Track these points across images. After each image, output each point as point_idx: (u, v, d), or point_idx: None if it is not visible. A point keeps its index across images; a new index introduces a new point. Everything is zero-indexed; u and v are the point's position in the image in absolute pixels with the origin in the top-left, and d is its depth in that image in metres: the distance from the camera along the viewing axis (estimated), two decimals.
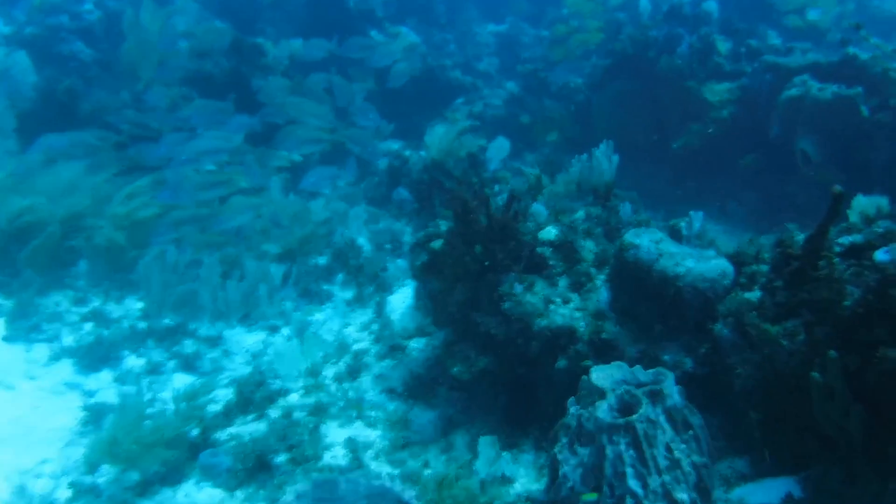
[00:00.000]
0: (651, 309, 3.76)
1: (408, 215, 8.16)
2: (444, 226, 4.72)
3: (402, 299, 6.12)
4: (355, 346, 5.54)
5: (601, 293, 4.05)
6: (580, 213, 4.74)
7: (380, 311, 5.94)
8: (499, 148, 6.20)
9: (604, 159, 5.17)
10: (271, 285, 6.24)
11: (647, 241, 3.75)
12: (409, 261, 4.82)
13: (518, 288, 4.14)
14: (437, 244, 4.55)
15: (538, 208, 4.56)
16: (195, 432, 4.37)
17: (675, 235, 4.00)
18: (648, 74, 8.37)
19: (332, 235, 7.88)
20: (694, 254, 3.66)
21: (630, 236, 3.82)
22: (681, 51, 7.79)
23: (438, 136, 6.85)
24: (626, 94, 8.80)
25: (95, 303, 6.38)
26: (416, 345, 5.32)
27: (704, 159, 7.93)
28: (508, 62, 13.58)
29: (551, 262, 4.23)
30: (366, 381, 5.00)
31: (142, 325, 6.16)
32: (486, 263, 4.31)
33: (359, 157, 8.54)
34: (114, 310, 6.38)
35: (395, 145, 9.57)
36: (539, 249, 4.24)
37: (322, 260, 7.29)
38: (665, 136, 8.31)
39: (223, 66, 9.82)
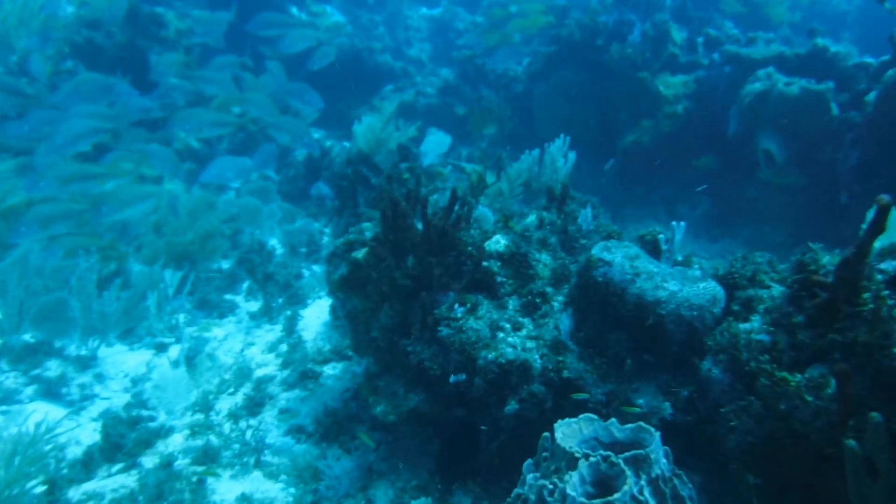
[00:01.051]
0: (622, 340, 3.09)
1: (328, 214, 7.35)
2: (369, 231, 3.95)
3: (317, 314, 5.32)
4: (259, 372, 4.70)
5: (560, 319, 3.35)
6: (531, 219, 4.04)
7: (290, 328, 5.11)
8: (437, 142, 5.47)
9: (559, 156, 4.49)
10: (161, 294, 5.34)
11: (620, 257, 3.07)
12: (326, 272, 4.03)
13: (459, 311, 3.41)
14: (359, 254, 3.78)
15: (484, 212, 3.84)
16: (38, 490, 3.47)
17: (651, 249, 3.34)
18: (596, 64, 7.78)
19: (239, 235, 7.02)
20: (676, 274, 3.00)
21: (599, 251, 3.13)
22: (632, 39, 7.22)
23: (366, 125, 6.05)
24: (571, 84, 8.19)
25: None
26: (331, 371, 4.53)
27: (655, 158, 7.38)
28: (442, 49, 12.88)
29: (499, 279, 3.51)
30: (269, 417, 4.18)
31: None
32: (420, 279, 3.56)
33: (282, 147, 7.65)
34: None
35: (316, 134, 8.72)
36: (485, 263, 3.51)
37: (226, 264, 6.41)
38: (613, 133, 7.74)
39: (116, 38, 8.76)
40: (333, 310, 4.71)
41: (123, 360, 5.15)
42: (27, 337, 5.17)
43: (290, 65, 8.92)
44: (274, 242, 7.00)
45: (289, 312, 5.33)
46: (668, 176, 7.43)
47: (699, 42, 7.08)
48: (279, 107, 5.92)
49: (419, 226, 3.54)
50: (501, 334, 3.32)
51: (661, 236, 3.30)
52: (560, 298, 3.47)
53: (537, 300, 3.47)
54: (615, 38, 7.49)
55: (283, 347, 4.94)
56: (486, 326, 3.36)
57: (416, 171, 5.23)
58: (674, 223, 3.28)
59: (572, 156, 4.59)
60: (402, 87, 10.07)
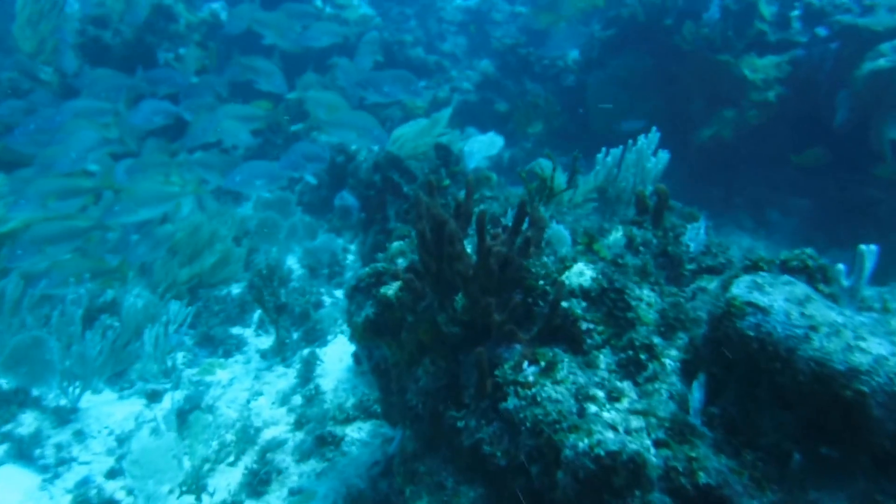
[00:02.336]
0: (786, 424, 2.09)
1: (353, 228, 6.43)
2: (402, 258, 3.00)
3: (339, 354, 4.38)
4: (266, 434, 3.78)
5: (675, 383, 2.36)
6: (617, 237, 3.06)
7: (307, 373, 4.18)
8: (486, 143, 4.52)
9: (647, 154, 3.52)
10: (160, 330, 4.45)
11: (781, 300, 2.07)
12: (347, 312, 3.08)
13: (530, 371, 2.44)
14: (390, 289, 2.83)
15: (558, 232, 2.86)
16: None
17: (811, 282, 2.34)
18: (664, 47, 6.76)
19: (254, 254, 6.13)
20: (876, 328, 1.99)
21: (745, 290, 2.13)
22: (709, 16, 6.19)
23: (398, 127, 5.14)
24: (632, 72, 7.18)
25: None
26: (356, 434, 3.58)
27: (738, 154, 6.34)
28: (478, 42, 11.95)
29: (585, 325, 2.53)
30: (275, 501, 3.24)
31: None
32: (474, 326, 2.61)
33: (338, 148, 6.75)
34: None
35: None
36: (564, 303, 2.53)
37: (236, 288, 5.52)
38: (683, 126, 6.70)
39: (125, 35, 7.96)
40: (357, 358, 3.77)
41: (109, 413, 4.28)
42: (2, 383, 4.33)
43: (308, 60, 8.06)
44: (292, 262, 6.10)
45: (305, 352, 4.40)
46: (753, 175, 6.38)
47: (794, 16, 6.03)
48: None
49: (472, 254, 2.57)
50: (593, 407, 2.34)
51: (839, 266, 2.28)
52: (674, 353, 2.48)
53: (641, 356, 2.48)
54: (688, 16, 6.47)
55: (298, 399, 4.01)
56: (571, 395, 2.38)
57: (459, 177, 4.27)
58: (862, 247, 2.24)
59: (664, 155, 3.60)
60: (437, 83, 9.14)
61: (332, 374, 4.16)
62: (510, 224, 3.68)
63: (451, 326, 2.65)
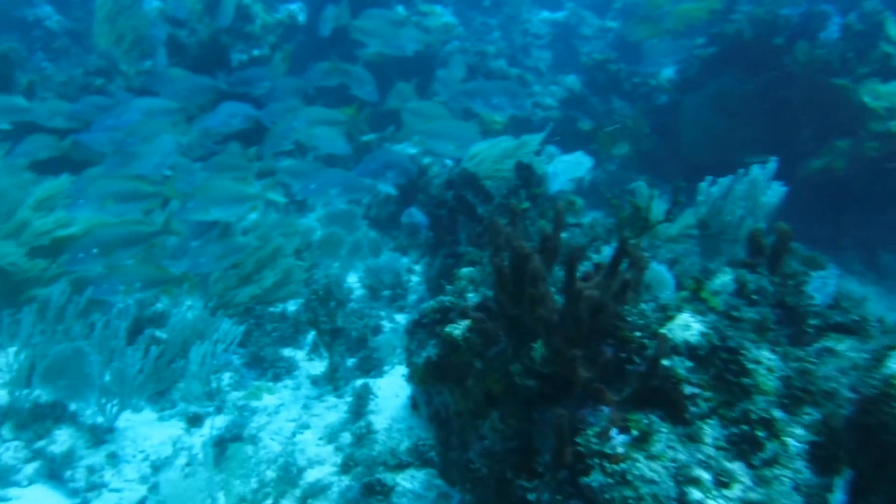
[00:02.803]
0: None
1: (420, 247, 6.12)
2: (473, 293, 2.66)
3: (395, 389, 4.06)
4: (310, 475, 3.47)
5: (802, 471, 1.95)
6: (725, 282, 2.66)
7: (359, 408, 3.87)
8: (572, 164, 4.16)
9: (762, 185, 3.10)
10: (208, 349, 4.21)
11: None
12: (406, 350, 2.75)
13: (619, 441, 2.06)
14: (457, 329, 2.49)
15: (659, 273, 2.47)
16: None
17: None
18: (771, 69, 6.26)
19: (314, 269, 5.89)
20: None
21: None
22: (826, 36, 5.70)
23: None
24: (733, 94, 6.71)
25: None
26: (408, 483, 3.24)
27: (850, 190, 5.80)
28: (563, 57, 11.60)
29: (689, 389, 2.13)
30: None
31: (3, 398, 4.15)
32: (554, 381, 2.24)
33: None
34: None
35: (412, 149, 7.53)
36: (665, 361, 2.14)
37: (292, 306, 5.27)
38: (790, 156, 6.18)
39: (200, 35, 7.89)
40: (414, 401, 3.43)
41: (147, 435, 4.06)
42: (40, 393, 4.15)
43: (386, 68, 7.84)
44: (353, 280, 5.82)
45: (359, 383, 4.09)
46: (865, 213, 5.83)
47: None
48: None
49: (557, 295, 2.21)
50: (697, 494, 1.95)
51: None
52: (799, 432, 2.06)
53: (757, 432, 2.07)
54: (801, 35, 5.99)
55: (347, 437, 3.69)
56: (669, 476, 1.99)
57: (540, 200, 3.92)
58: None
59: (779, 188, 3.17)
60: None
61: (386, 410, 3.84)
62: (592, 254, 3.29)
63: (526, 379, 2.29)
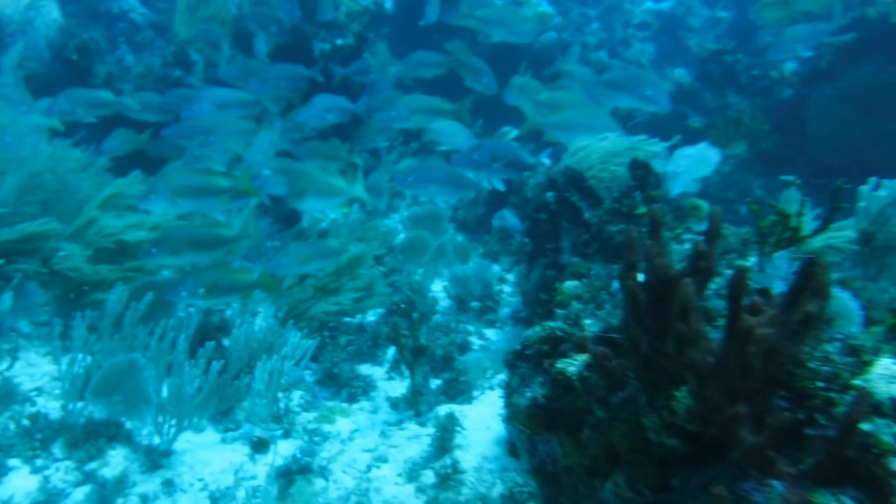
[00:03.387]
0: None
1: (514, 254, 5.65)
2: (591, 321, 2.17)
3: (486, 420, 3.58)
4: None
5: None
6: None
7: (444, 441, 3.41)
8: (696, 159, 3.60)
9: None
10: (276, 366, 3.84)
11: None
12: (505, 388, 2.28)
13: None
14: (571, 365, 2.01)
15: (844, 302, 1.93)
16: None
17: None
18: None
19: (394, 275, 5.50)
20: None
21: None
22: None
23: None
24: (873, 87, 5.98)
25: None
26: None
27: None
28: (668, 51, 10.91)
29: None
30: None
31: (55, 412, 3.88)
32: (704, 442, 1.74)
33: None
34: (24, 378, 4.13)
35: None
36: (865, 425, 1.61)
37: (371, 316, 4.88)
38: None
39: (283, 23, 7.61)
40: (513, 448, 2.94)
41: (206, 460, 3.71)
42: (94, 410, 3.86)
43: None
44: (437, 289, 5.39)
45: (445, 411, 3.64)
46: None
47: None
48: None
49: (709, 332, 1.71)
50: None
51: None
52: None
53: None
54: None
55: (429, 477, 3.24)
56: None
57: (660, 204, 3.38)
58: None
59: None
60: None
61: (475, 446, 3.37)
62: (724, 269, 2.78)
63: (664, 436, 1.79)
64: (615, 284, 3.06)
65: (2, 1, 7.90)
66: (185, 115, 4.39)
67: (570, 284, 3.55)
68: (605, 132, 3.89)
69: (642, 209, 3.55)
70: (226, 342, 4.21)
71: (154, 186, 3.61)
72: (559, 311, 2.44)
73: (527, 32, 4.88)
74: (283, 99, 5.43)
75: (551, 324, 2.29)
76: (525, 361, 2.28)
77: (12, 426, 3.71)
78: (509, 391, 2.34)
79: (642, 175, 3.63)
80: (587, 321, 2.30)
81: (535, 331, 2.29)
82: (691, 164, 3.62)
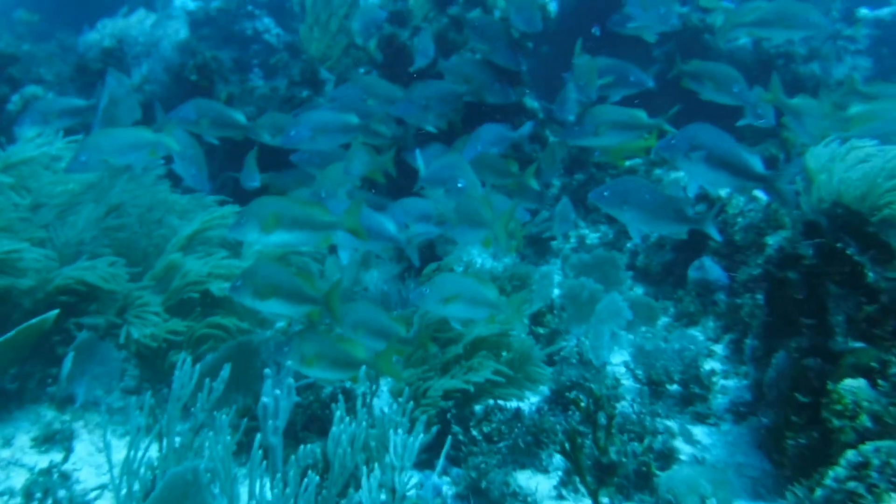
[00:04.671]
0: None
1: (720, 317, 4.45)
2: None
3: None
4: None
5: None
6: None
7: None
8: None
9: None
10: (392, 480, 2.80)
11: None
12: None
13: None
14: None
15: None
16: None
17: None
18: None
19: (556, 337, 4.46)
20: None
21: None
22: None
23: (828, 153, 3.08)
24: None
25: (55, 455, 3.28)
26: None
27: None
28: (889, 65, 9.40)
29: None
30: None
31: None
32: None
33: None
34: (89, 471, 3.27)
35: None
36: None
37: (532, 398, 3.82)
38: None
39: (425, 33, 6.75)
40: None
41: None
42: None
43: None
44: (617, 363, 4.25)
45: None
46: None
47: None
48: None
49: None
50: None
51: None
52: None
53: None
54: None
55: None
56: None
57: None
58: None
59: None
60: None
61: None
62: None
63: None
64: None
65: (126, 21, 7.51)
66: (284, 142, 4.15)
67: (851, 384, 2.37)
68: None
69: None
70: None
71: (245, 214, 2.94)
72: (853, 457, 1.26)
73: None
74: (444, 117, 4.85)
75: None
76: None
77: None
78: None
79: None
80: None
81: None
82: None
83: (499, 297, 3.10)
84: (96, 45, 7.44)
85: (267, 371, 2.85)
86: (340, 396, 2.96)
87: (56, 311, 3.20)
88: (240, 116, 4.62)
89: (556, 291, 4.98)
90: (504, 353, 3.54)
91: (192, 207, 4.01)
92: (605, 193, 3.29)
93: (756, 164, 3.14)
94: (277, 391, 2.90)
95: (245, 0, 9.84)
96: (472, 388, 3.27)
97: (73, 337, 3.43)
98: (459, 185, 3.47)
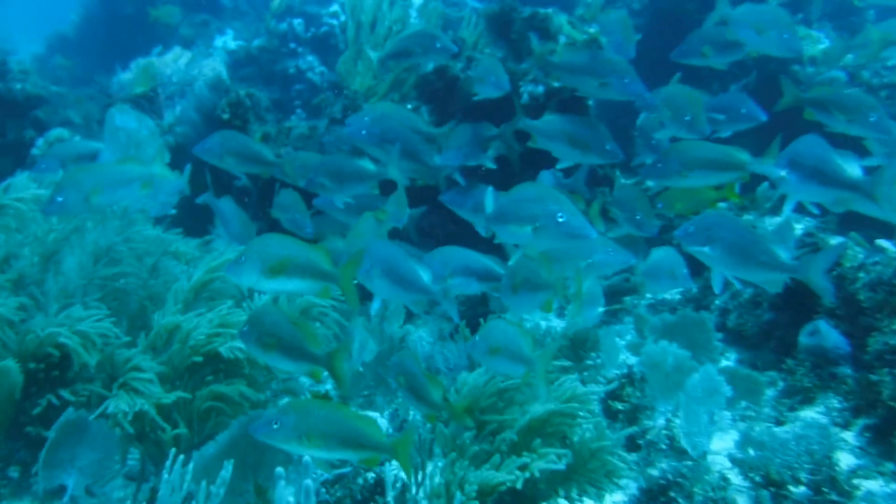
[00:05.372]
0: None
1: (850, 396, 3.65)
2: None
3: None
4: None
5: None
6: None
7: None
8: None
9: None
10: None
11: None
12: None
13: None
14: None
15: None
16: None
17: None
18: None
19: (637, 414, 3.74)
20: None
21: None
22: None
23: None
24: None
25: None
26: None
27: None
28: None
29: None
30: None
31: None
32: None
33: None
34: None
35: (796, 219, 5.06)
36: None
37: (612, 497, 3.07)
38: None
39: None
40: None
41: None
42: None
43: None
44: (717, 451, 3.48)
45: None
46: None
47: None
48: None
49: None
50: None
51: None
52: None
53: None
54: None
55: None
56: None
57: None
58: None
59: None
60: None
61: None
62: None
63: None
64: None
65: (161, 60, 7.12)
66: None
67: None
68: None
69: None
70: None
71: (248, 253, 2.45)
72: None
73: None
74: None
75: None
76: None
77: None
78: None
79: None
80: None
81: None
82: None
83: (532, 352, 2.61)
84: (129, 86, 7.08)
85: (279, 470, 2.27)
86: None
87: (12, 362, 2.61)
88: (267, 152, 4.28)
89: (633, 359, 4.27)
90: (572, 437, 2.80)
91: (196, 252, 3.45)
92: (691, 229, 2.95)
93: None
94: (292, 499, 2.27)
95: (288, 38, 9.47)
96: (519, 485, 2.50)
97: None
98: (560, 218, 2.81)
